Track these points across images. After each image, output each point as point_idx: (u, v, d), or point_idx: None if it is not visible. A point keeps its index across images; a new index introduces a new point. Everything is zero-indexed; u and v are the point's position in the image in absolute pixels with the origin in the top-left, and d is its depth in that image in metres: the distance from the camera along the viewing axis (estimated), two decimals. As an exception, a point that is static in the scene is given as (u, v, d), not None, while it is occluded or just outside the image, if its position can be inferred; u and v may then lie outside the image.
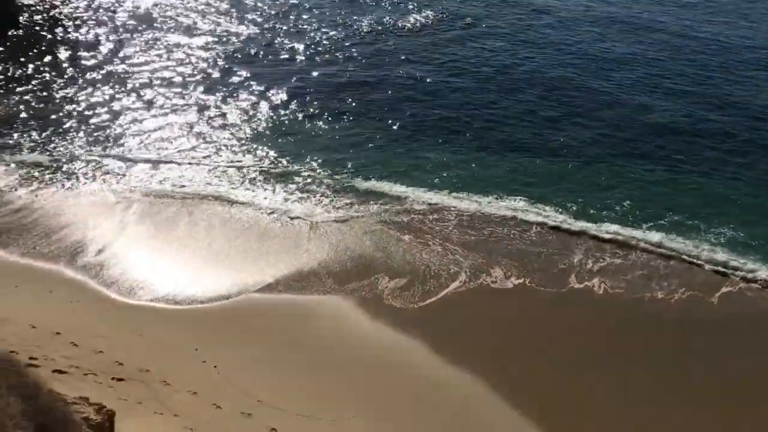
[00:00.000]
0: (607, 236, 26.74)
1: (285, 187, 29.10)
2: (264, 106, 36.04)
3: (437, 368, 19.95)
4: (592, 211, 28.33)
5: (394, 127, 34.45)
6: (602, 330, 22.30)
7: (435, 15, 50.00)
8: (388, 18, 48.90)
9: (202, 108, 35.50)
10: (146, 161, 30.40)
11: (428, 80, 39.55)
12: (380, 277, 23.88)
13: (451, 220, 27.51)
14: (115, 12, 47.78)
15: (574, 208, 28.43)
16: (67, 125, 32.92)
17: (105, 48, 41.95)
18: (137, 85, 37.45)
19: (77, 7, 47.92)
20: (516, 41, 46.01)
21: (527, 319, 22.52)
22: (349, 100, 37.03)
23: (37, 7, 47.43)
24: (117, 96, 36.05)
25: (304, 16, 48.88)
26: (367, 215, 27.57)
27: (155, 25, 46.13)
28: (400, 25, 47.98)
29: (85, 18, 46.54)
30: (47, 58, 39.85)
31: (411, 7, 51.49)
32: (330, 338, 20.94)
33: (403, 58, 42.48)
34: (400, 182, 29.85)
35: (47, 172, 28.97)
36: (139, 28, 45.33)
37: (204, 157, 31.07)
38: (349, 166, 30.94)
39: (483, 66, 41.74)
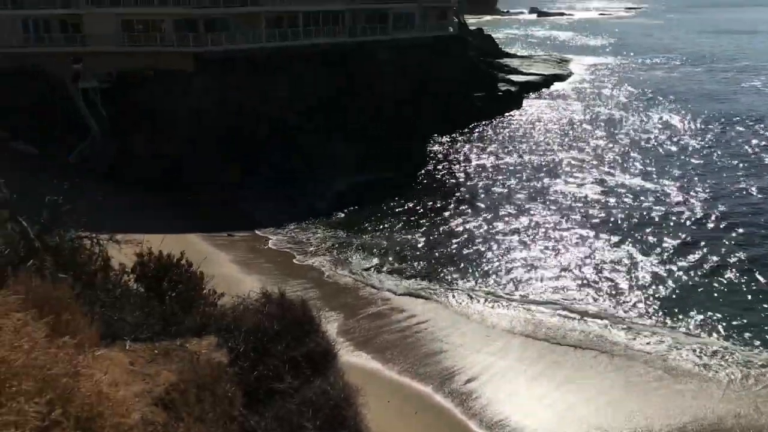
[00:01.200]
0: None
1: (676, 345, 27.22)
2: (658, 262, 34.95)
3: None
4: None
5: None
6: None
7: None
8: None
9: (590, 257, 35.75)
10: (530, 302, 31.21)
11: None
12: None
13: None
14: (509, 160, 51.87)
15: None
16: (455, 258, 35.95)
17: (498, 191, 45.53)
18: (527, 227, 39.77)
19: (472, 153, 53.29)
20: None
21: None
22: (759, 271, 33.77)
23: (439, 156, 54.02)
24: (506, 236, 38.54)
25: (710, 178, 46.56)
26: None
27: (545, 172, 48.69)
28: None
29: (480, 162, 51.40)
30: (444, 198, 44.72)
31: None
32: None
33: None
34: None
35: (432, 298, 31.73)
36: (530, 175, 48.31)
37: (589, 310, 30.72)
38: (757, 333, 27.87)
39: None
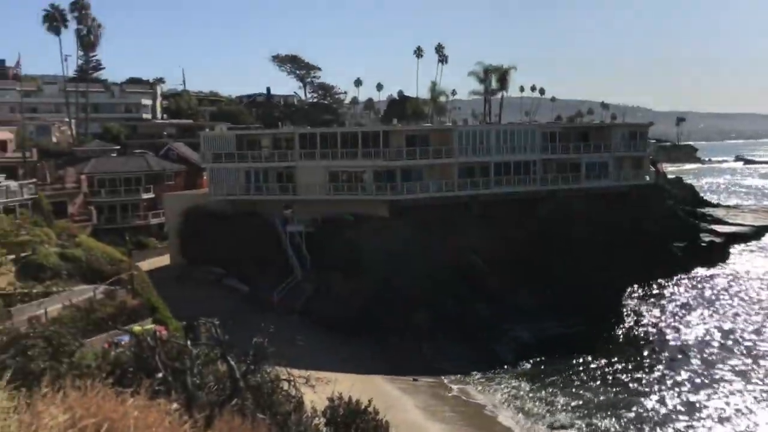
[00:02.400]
0: None
1: None
2: None
3: None
4: None
5: None
6: None
7: None
8: None
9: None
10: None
11: None
12: None
13: None
14: (714, 319, 47.90)
15: None
16: (652, 424, 32.98)
17: (700, 354, 41.98)
18: (734, 397, 36.22)
19: (671, 308, 49.81)
20: None
21: None
22: None
23: (634, 309, 51.14)
24: (710, 405, 35.20)
25: None
26: None
27: (758, 336, 44.26)
28: None
29: (680, 319, 47.85)
30: (639, 356, 41.82)
31: None
32: None
33: None
34: None
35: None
36: (739, 339, 44.16)
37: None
38: None
39: None
